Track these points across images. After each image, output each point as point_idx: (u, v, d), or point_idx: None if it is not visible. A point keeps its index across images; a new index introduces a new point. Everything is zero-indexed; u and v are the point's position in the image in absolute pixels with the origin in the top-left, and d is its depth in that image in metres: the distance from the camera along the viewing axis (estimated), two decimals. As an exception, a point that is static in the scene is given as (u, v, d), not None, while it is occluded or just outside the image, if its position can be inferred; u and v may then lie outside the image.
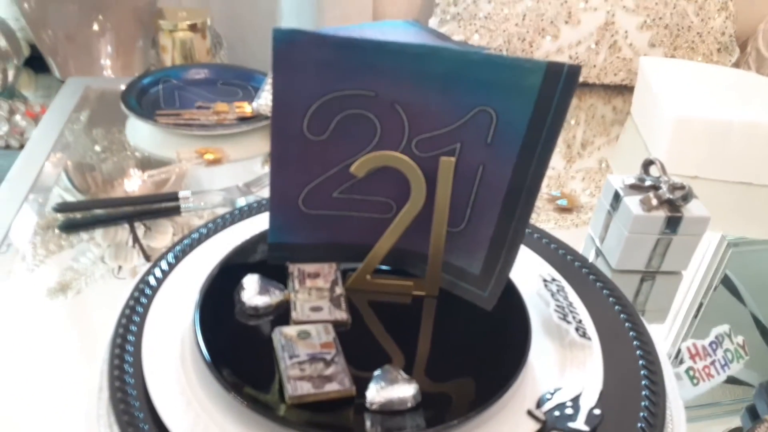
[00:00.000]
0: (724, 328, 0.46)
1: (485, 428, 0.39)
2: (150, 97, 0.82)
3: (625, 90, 0.99)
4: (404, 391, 0.40)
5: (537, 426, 0.39)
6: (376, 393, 0.40)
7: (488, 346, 0.45)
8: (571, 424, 0.39)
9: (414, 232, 0.48)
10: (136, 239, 0.59)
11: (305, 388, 0.40)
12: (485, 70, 0.41)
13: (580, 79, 1.00)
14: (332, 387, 0.40)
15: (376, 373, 0.41)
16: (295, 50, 0.40)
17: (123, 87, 0.81)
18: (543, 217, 0.68)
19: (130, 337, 0.44)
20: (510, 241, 0.46)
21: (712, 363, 0.46)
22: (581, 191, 0.75)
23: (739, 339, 0.47)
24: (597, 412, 0.39)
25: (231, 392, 0.39)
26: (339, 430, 0.39)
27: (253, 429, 0.38)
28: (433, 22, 0.99)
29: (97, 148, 0.75)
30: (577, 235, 0.66)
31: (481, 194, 0.46)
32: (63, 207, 0.60)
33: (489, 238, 0.47)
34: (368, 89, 0.42)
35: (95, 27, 1.14)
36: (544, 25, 0.90)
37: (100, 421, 0.40)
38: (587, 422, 0.39)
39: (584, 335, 0.45)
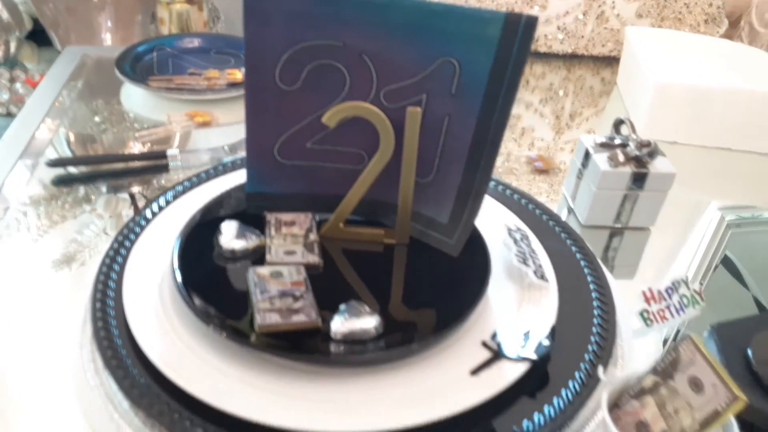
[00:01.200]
0: (681, 275, 0.48)
1: (442, 357, 0.42)
2: (144, 64, 0.85)
3: (613, 61, 1.00)
4: (367, 323, 0.42)
5: (489, 354, 0.41)
6: (340, 324, 0.42)
7: (450, 286, 0.47)
8: (520, 353, 0.41)
9: (384, 182, 0.50)
10: (136, 210, 0.60)
11: (274, 319, 0.42)
12: (447, 20, 0.43)
13: (569, 51, 1.03)
14: (299, 318, 0.43)
15: (341, 307, 0.43)
16: (265, 2, 0.42)
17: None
18: (522, 179, 0.70)
19: (113, 275, 0.47)
20: (476, 190, 0.49)
21: (667, 307, 0.48)
22: (570, 163, 0.77)
23: (696, 286, 0.49)
24: (546, 343, 0.42)
25: (204, 321, 0.41)
26: (304, 358, 0.41)
27: (225, 356, 0.41)
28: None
29: (92, 112, 0.78)
30: (554, 198, 0.68)
31: (448, 145, 0.48)
32: (56, 162, 0.63)
33: (456, 188, 0.49)
34: (336, 39, 0.44)
35: (95, 0, 1.16)
36: (532, -4, 0.92)
37: (83, 350, 0.43)
38: (536, 351, 0.41)
39: (542, 277, 0.47)
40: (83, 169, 0.65)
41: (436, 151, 0.49)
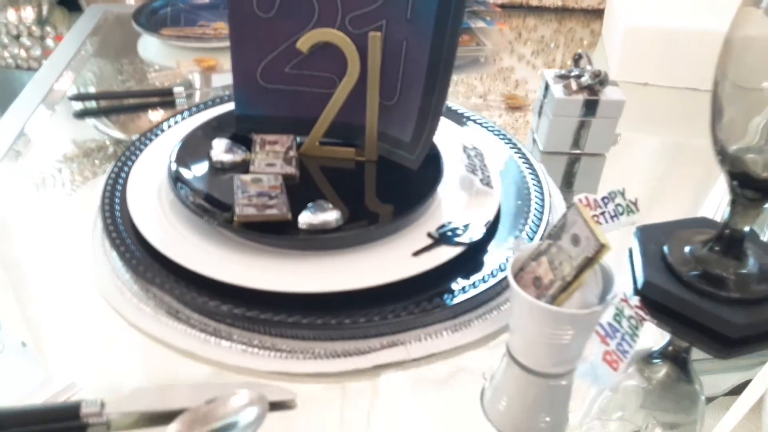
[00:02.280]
0: (619, 188, 0.54)
1: (392, 244, 0.49)
2: (159, 17, 0.93)
3: (601, 13, 1.04)
4: (329, 216, 0.50)
5: (431, 241, 0.48)
6: (307, 217, 0.50)
7: (405, 190, 0.54)
8: (456, 239, 0.48)
9: (354, 105, 0.57)
10: None
11: (250, 211, 0.50)
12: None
13: (560, 4, 1.07)
14: (272, 212, 0.50)
15: (309, 204, 0.51)
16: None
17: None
18: (495, 113, 0.76)
19: (120, 179, 0.55)
20: (433, 110, 0.55)
21: (602, 213, 0.54)
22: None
23: (632, 197, 0.55)
24: (479, 233, 0.48)
25: (191, 210, 0.49)
26: (274, 241, 0.49)
27: (210, 239, 0.49)
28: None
29: (111, 60, 0.86)
30: (523, 131, 0.74)
31: (408, 69, 0.55)
32: (77, 96, 0.71)
33: (417, 109, 0.56)
34: (304, -29, 0.51)
35: (120, -34, 1.24)
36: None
37: (94, 238, 0.52)
38: (469, 239, 0.48)
39: (487, 184, 0.54)
40: (102, 104, 0.74)
41: (398, 75, 0.56)
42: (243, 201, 0.51)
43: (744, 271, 0.47)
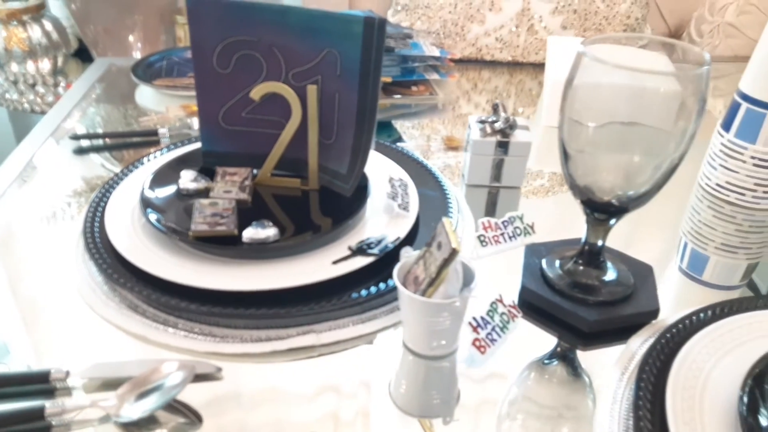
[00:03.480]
0: (518, 213, 0.65)
1: (319, 256, 0.59)
2: (155, 69, 1.07)
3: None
4: (268, 232, 0.61)
5: (349, 252, 0.59)
6: (250, 233, 0.61)
7: (337, 213, 0.65)
8: (369, 251, 0.59)
9: (299, 143, 0.69)
10: None
11: (203, 227, 0.61)
12: (326, 22, 0.62)
13: (509, 58, 1.20)
14: (221, 228, 0.61)
15: (253, 222, 0.62)
16: (201, 7, 0.63)
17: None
18: (435, 153, 0.87)
19: (102, 204, 0.67)
20: (363, 147, 0.67)
21: (501, 234, 0.65)
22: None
23: (530, 221, 0.66)
24: (389, 247, 0.59)
25: (157, 228, 0.61)
26: (220, 252, 0.60)
27: (172, 251, 0.60)
28: (390, 13, 1.20)
29: (112, 106, 1.00)
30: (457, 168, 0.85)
31: (341, 114, 0.67)
32: (76, 136, 0.84)
33: (350, 147, 0.68)
34: (253, 36, 0.64)
35: (128, 23, 1.40)
36: (472, 12, 1.10)
37: (78, 251, 0.63)
38: (379, 251, 0.58)
39: (405, 209, 0.65)
40: (98, 143, 0.86)
41: (333, 119, 0.68)
42: (198, 219, 0.62)
43: (602, 278, 0.57)
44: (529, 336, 0.57)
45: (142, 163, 0.75)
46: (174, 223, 0.63)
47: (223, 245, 0.60)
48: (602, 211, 0.54)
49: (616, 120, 0.51)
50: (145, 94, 1.03)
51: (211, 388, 0.50)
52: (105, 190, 0.69)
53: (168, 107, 0.96)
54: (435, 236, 0.51)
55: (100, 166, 0.82)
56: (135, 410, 0.45)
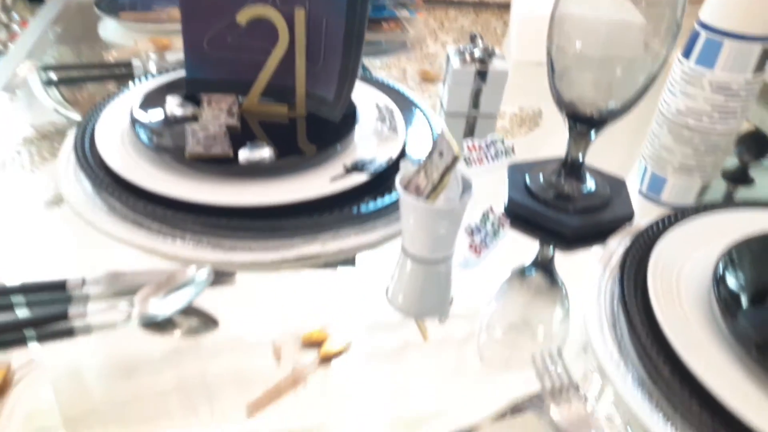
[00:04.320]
0: (498, 135, 0.68)
1: (315, 174, 0.61)
2: (117, 4, 1.03)
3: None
4: (264, 152, 0.62)
5: (344, 171, 0.61)
6: (245, 154, 0.62)
7: (328, 136, 0.67)
8: (364, 168, 0.61)
9: (286, 69, 0.69)
10: None
11: (198, 149, 0.62)
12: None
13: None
14: (216, 150, 0.62)
15: (247, 143, 0.63)
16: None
17: (95, -4, 1.02)
18: (412, 85, 0.90)
19: (92, 123, 0.67)
20: (350, 73, 0.68)
21: (485, 155, 0.68)
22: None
23: (510, 143, 0.69)
24: (382, 165, 0.62)
25: (151, 149, 0.61)
26: (218, 172, 0.61)
27: (165, 170, 0.60)
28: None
29: (73, 44, 0.96)
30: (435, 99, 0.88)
31: (328, 39, 0.68)
32: (47, 67, 0.82)
33: (337, 72, 0.69)
34: (241, -42, 0.64)
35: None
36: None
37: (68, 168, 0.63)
38: (373, 169, 0.61)
39: (393, 130, 0.67)
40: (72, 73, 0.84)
41: (321, 44, 0.69)
42: (193, 142, 0.63)
43: (581, 190, 0.62)
44: (513, 250, 0.62)
45: (122, 92, 0.74)
46: (166, 146, 0.63)
47: (220, 166, 0.61)
48: (585, 123, 0.58)
49: (599, 43, 0.55)
50: (110, 29, 1.00)
51: (225, 293, 0.52)
52: (89, 117, 0.69)
53: (136, 41, 0.94)
54: (435, 147, 0.53)
55: (53, 111, 0.79)
56: (161, 308, 0.47)
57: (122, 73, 0.85)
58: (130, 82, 0.75)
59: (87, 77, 0.84)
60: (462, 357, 0.50)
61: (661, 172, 0.78)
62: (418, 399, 0.46)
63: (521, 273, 0.59)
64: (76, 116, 0.76)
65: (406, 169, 0.56)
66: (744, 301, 0.48)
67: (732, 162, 0.80)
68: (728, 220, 0.58)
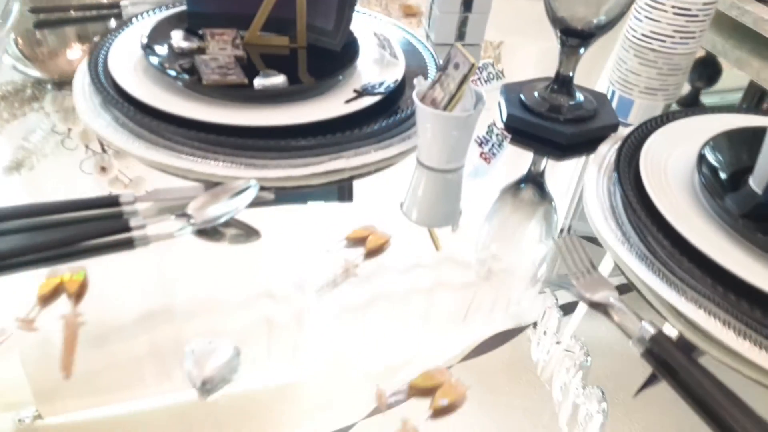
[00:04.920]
0: (489, 60, 0.73)
1: (330, 98, 0.65)
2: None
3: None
4: (278, 79, 0.65)
5: (356, 94, 0.65)
6: (260, 81, 0.65)
7: (333, 64, 0.70)
8: (374, 90, 0.65)
9: (286, 3, 0.72)
10: None
11: (215, 77, 0.64)
12: None
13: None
14: (232, 78, 0.65)
15: (260, 72, 0.66)
16: None
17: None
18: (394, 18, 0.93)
19: (103, 50, 0.68)
20: (348, 3, 0.72)
21: (478, 78, 0.74)
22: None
23: (500, 67, 0.75)
24: (392, 85, 0.66)
25: (168, 74, 0.63)
26: (235, 96, 0.64)
27: (185, 98, 0.63)
28: None
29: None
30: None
31: (328, -31, 0.71)
32: (36, 9, 0.81)
33: (336, 3, 0.72)
34: None
35: None
36: None
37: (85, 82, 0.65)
38: (384, 90, 0.65)
39: (394, 56, 0.72)
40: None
41: (321, -26, 0.71)
42: (207, 71, 0.65)
43: (572, 103, 0.68)
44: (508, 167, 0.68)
45: (131, 22, 0.75)
46: (184, 75, 0.65)
47: (239, 91, 0.64)
48: (576, 37, 0.64)
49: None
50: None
51: (263, 209, 0.56)
52: (101, 41, 0.70)
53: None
54: (449, 60, 0.58)
55: (11, 68, 0.75)
56: (213, 216, 0.51)
57: (110, 14, 0.85)
58: (134, 19, 0.76)
59: (73, 19, 0.84)
60: (432, 303, 0.50)
61: (628, 94, 0.85)
62: (391, 347, 0.46)
63: (514, 188, 0.65)
64: (36, 73, 0.73)
65: (420, 85, 0.60)
66: (723, 181, 0.56)
67: (685, 89, 0.88)
68: (703, 122, 0.66)
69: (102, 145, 0.62)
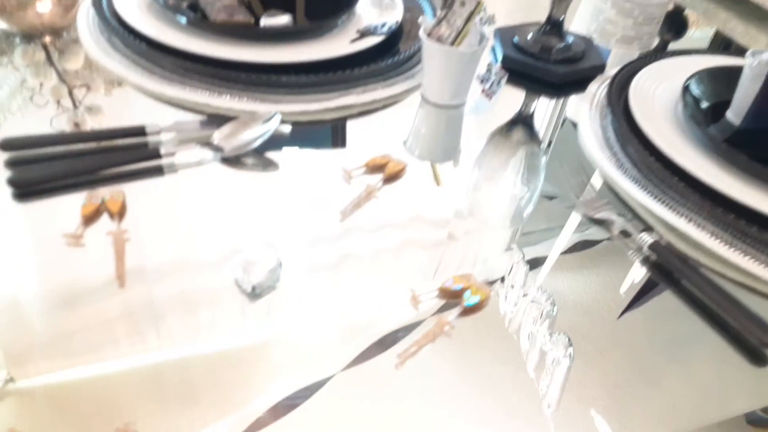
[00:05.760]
0: (481, 5, 0.76)
1: (334, 39, 0.67)
2: None
3: None
4: (284, 19, 0.67)
5: (359, 35, 0.67)
6: (266, 20, 0.66)
7: (334, 8, 0.72)
8: (377, 31, 0.68)
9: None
10: (50, 60, 0.66)
11: (222, 16, 0.65)
12: None
13: None
14: (239, 16, 0.66)
15: (266, 12, 0.67)
16: None
17: None
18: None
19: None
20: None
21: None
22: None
23: (491, 12, 0.77)
24: (392, 27, 0.69)
25: (175, 11, 0.64)
26: (243, 35, 0.65)
27: (187, 37, 0.63)
28: None
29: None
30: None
31: None
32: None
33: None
34: None
35: None
36: None
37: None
38: (386, 31, 0.68)
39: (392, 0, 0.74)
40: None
41: None
42: (213, 12, 0.66)
43: (562, 45, 0.72)
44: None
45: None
46: (190, 13, 0.66)
47: (248, 30, 0.65)
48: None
49: None
50: None
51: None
52: None
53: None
54: (455, -1, 0.61)
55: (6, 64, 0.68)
56: (241, 144, 0.53)
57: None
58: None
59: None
60: (401, 262, 0.50)
61: (606, 43, 0.90)
62: (362, 306, 0.46)
63: (504, 129, 0.68)
64: (2, 25, 0.70)
65: (426, 23, 0.63)
66: (705, 111, 0.62)
67: (654, 42, 0.94)
68: (685, 62, 0.71)
69: (74, 100, 0.60)
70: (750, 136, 0.60)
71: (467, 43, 0.61)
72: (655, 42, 0.93)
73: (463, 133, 0.65)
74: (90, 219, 0.45)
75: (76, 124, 0.57)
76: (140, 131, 0.52)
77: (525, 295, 0.48)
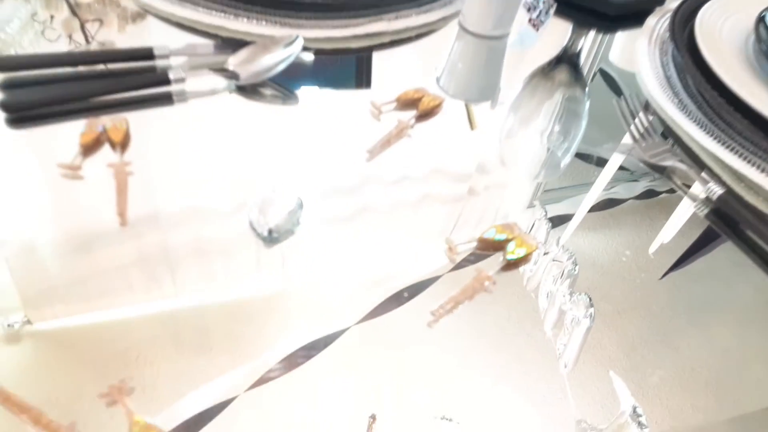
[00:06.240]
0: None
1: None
2: None
3: None
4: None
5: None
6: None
7: None
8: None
9: None
10: None
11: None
12: None
13: None
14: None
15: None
16: None
17: None
18: None
19: None
20: None
21: None
22: None
23: None
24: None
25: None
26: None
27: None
28: None
29: None
30: None
31: None
32: None
33: None
34: None
35: None
36: None
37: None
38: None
39: None
40: None
41: None
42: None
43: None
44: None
45: None
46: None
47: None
48: None
49: None
50: None
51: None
52: None
53: None
54: None
55: None
56: (259, 70, 0.47)
57: None
58: None
59: None
60: (419, 219, 0.47)
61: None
62: (379, 259, 0.43)
63: (546, 68, 0.62)
64: None
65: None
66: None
67: None
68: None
69: (86, 35, 0.55)
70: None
71: (514, -35, 0.54)
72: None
73: (504, 70, 0.59)
74: (89, 149, 0.41)
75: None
76: (148, 54, 0.47)
77: (546, 253, 0.44)
